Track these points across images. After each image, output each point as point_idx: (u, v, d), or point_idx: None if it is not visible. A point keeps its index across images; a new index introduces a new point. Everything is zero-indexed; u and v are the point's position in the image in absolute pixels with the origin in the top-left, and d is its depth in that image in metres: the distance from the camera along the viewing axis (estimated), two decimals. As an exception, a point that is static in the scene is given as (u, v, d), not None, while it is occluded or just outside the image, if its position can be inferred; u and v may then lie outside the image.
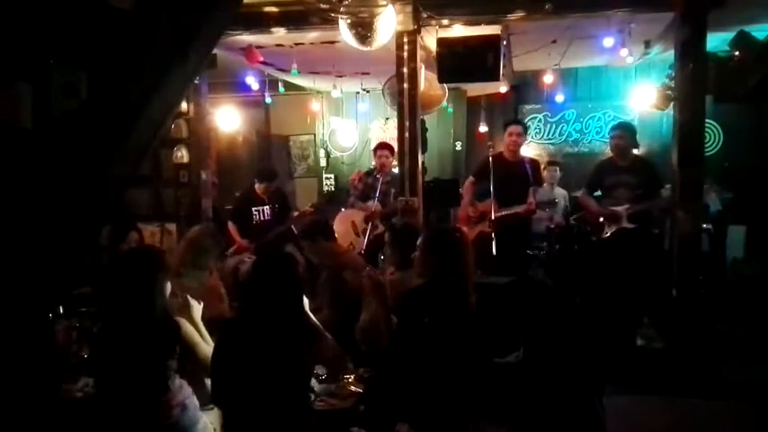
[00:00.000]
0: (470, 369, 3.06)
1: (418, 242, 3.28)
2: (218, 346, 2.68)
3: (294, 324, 2.64)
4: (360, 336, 3.46)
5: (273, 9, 5.03)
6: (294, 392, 2.61)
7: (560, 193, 7.08)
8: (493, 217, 5.30)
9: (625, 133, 5.45)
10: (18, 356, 2.19)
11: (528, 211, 5.46)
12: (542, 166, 7.41)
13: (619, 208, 5.33)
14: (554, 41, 5.71)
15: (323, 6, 4.78)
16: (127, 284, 2.72)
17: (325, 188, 9.05)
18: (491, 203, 5.46)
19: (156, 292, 2.73)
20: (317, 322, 2.99)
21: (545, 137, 8.37)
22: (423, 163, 5.53)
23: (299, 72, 6.36)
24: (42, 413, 2.48)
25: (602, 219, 5.46)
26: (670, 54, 5.16)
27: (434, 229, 3.64)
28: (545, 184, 7.17)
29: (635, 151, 5.83)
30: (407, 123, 5.03)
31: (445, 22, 4.96)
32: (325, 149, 9.10)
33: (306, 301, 2.96)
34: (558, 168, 7.19)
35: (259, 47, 5.64)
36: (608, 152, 6.54)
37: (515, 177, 5.44)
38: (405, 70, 4.97)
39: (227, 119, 8.02)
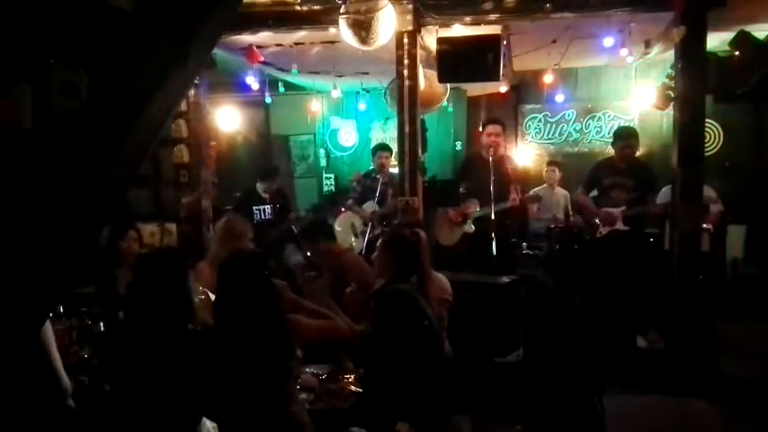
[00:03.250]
0: (446, 363, 3.07)
1: (377, 243, 3.34)
2: (196, 355, 2.60)
3: (267, 323, 2.58)
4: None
5: (273, 9, 5.03)
6: (275, 389, 2.59)
7: (561, 193, 7.08)
8: (492, 216, 5.32)
9: (632, 141, 5.49)
10: (18, 356, 2.19)
11: (514, 207, 5.47)
12: (543, 167, 7.48)
13: (614, 210, 5.35)
14: (554, 41, 5.70)
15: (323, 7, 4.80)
16: (163, 287, 2.63)
17: (326, 188, 9.05)
18: (473, 204, 5.49)
19: (189, 292, 2.68)
20: (307, 304, 2.97)
21: (545, 137, 8.36)
22: (423, 163, 5.53)
23: (299, 72, 6.36)
24: (42, 412, 2.49)
25: (597, 219, 5.49)
26: (670, 54, 5.16)
27: (393, 230, 3.68)
28: (544, 185, 7.19)
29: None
30: (407, 123, 5.03)
31: (445, 21, 4.96)
32: (326, 149, 9.10)
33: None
34: (557, 168, 7.19)
35: (259, 47, 5.64)
36: (608, 152, 6.56)
37: (496, 176, 5.45)
38: (405, 70, 4.97)
39: (227, 119, 8.01)
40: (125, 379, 2.60)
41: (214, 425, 2.80)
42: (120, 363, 2.65)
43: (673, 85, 4.94)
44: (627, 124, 7.53)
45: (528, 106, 8.41)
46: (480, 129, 6.08)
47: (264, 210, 6.10)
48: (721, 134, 7.42)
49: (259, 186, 6.13)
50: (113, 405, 2.63)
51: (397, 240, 3.33)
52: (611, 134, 6.10)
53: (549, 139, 8.35)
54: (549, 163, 7.39)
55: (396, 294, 3.04)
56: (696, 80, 4.46)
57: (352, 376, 3.30)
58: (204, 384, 2.59)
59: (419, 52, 5.05)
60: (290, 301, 2.91)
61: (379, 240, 3.37)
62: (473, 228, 5.52)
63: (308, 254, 4.62)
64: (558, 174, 7.15)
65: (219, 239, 4.00)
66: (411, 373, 2.88)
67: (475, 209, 5.58)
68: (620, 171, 5.46)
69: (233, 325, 2.59)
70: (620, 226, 5.33)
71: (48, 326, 2.86)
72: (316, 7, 4.92)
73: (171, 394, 2.55)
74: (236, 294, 2.61)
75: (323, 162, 9.12)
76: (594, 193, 5.66)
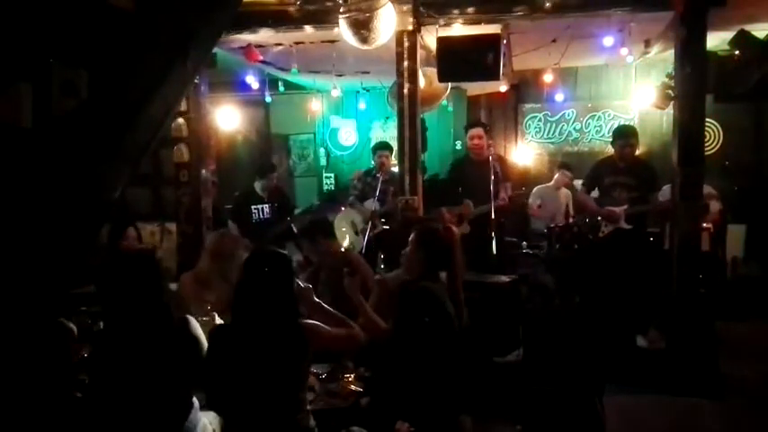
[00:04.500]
0: (461, 365, 3.07)
1: (409, 239, 3.30)
2: (211, 351, 2.63)
3: (286, 327, 2.58)
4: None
5: (273, 8, 5.03)
6: (288, 395, 2.60)
7: (564, 193, 7.07)
8: (493, 215, 5.34)
9: (632, 140, 5.46)
10: (20, 356, 2.19)
11: (504, 207, 5.53)
12: (554, 169, 7.45)
13: (617, 209, 5.34)
14: (554, 41, 5.70)
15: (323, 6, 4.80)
16: (130, 289, 2.64)
17: (326, 187, 9.05)
18: (466, 205, 5.55)
19: (161, 292, 2.69)
20: (328, 309, 2.94)
21: (545, 136, 8.36)
22: (423, 162, 5.54)
23: (298, 71, 6.35)
24: (48, 411, 2.48)
25: (599, 218, 5.48)
26: (670, 53, 5.16)
27: (425, 226, 3.65)
28: (551, 183, 7.17)
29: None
30: (407, 122, 5.02)
31: (445, 21, 4.95)
32: (325, 148, 9.10)
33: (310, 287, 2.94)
34: (569, 172, 7.11)
35: (259, 46, 5.64)
36: (608, 151, 6.54)
37: (484, 177, 5.47)
38: (405, 69, 4.96)
39: (227, 118, 8.01)
40: (107, 377, 2.61)
41: (212, 421, 2.81)
42: (102, 362, 2.66)
43: (673, 84, 4.94)
44: (626, 123, 7.51)
45: (528, 105, 8.41)
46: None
47: (263, 209, 6.10)
48: (721, 134, 7.42)
49: (257, 185, 6.13)
50: (98, 402, 2.64)
51: (430, 237, 3.28)
52: (611, 133, 6.09)
53: (549, 138, 8.35)
54: (562, 165, 7.32)
55: (421, 292, 3.02)
56: (696, 80, 4.45)
57: (352, 376, 3.30)
58: (215, 379, 2.59)
59: (419, 51, 5.05)
60: (312, 305, 2.89)
61: (411, 235, 3.33)
62: (468, 228, 5.54)
63: (307, 253, 4.62)
64: (569, 177, 7.10)
65: (209, 254, 3.90)
66: (424, 371, 2.88)
67: (469, 210, 5.61)
68: (620, 170, 5.45)
69: (251, 321, 2.57)
70: (623, 225, 5.32)
71: None
72: (315, 7, 4.92)
73: (151, 391, 2.56)
74: (258, 290, 2.59)
75: (323, 161, 9.12)
76: (595, 192, 5.66)
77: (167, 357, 2.59)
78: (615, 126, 7.24)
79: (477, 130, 5.91)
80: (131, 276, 2.66)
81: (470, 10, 4.85)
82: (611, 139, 5.84)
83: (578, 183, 6.16)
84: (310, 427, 2.65)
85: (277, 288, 2.59)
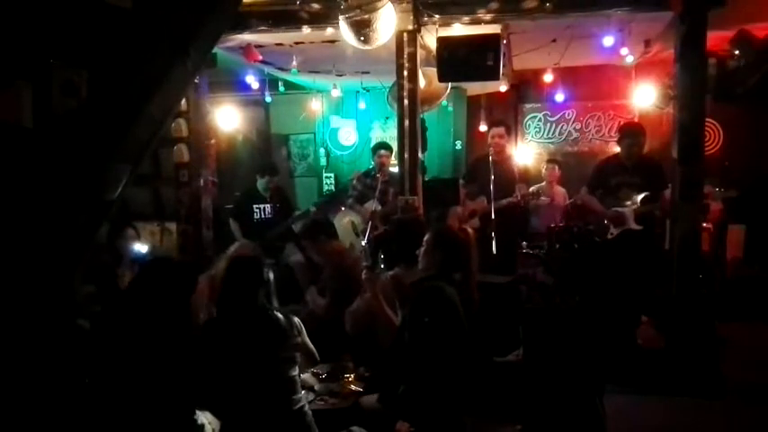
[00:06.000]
0: (471, 365, 3.08)
1: (425, 238, 3.31)
2: (202, 343, 2.75)
3: (265, 322, 2.78)
4: (349, 319, 3.53)
5: (273, 8, 5.03)
6: (275, 385, 2.71)
7: (561, 192, 7.07)
8: (493, 215, 5.36)
9: (640, 139, 5.36)
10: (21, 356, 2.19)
11: (512, 203, 5.63)
12: (542, 165, 7.49)
13: (625, 209, 5.28)
14: (554, 40, 5.71)
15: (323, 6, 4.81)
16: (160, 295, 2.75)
17: (325, 187, 9.04)
18: (481, 202, 5.65)
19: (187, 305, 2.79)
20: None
21: (545, 136, 8.36)
22: (422, 162, 5.54)
23: (298, 71, 6.36)
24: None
25: (606, 220, 5.42)
26: (670, 53, 5.16)
27: (441, 226, 3.67)
28: (543, 183, 7.18)
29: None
30: (407, 122, 5.03)
31: (445, 21, 4.96)
32: (325, 148, 9.09)
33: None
34: (556, 166, 7.16)
35: (258, 46, 5.64)
36: (608, 150, 6.54)
37: (503, 177, 5.56)
38: (405, 69, 4.97)
39: (227, 118, 8.00)
40: (113, 375, 2.64)
41: (212, 421, 2.82)
42: (109, 359, 2.68)
43: (673, 84, 4.94)
44: (632, 121, 7.47)
45: (528, 105, 8.40)
46: (481, 129, 6.14)
47: (264, 209, 6.10)
48: (721, 134, 7.42)
49: (259, 183, 6.12)
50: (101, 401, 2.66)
51: (446, 237, 3.30)
52: (618, 131, 6.00)
53: (549, 138, 8.34)
54: (549, 161, 7.36)
55: (432, 290, 3.03)
56: (696, 80, 4.45)
57: (352, 376, 3.31)
58: (207, 377, 2.69)
59: (419, 51, 5.05)
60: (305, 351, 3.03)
61: (427, 235, 3.35)
62: (478, 223, 5.59)
63: (309, 253, 4.62)
64: (557, 171, 7.12)
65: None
66: (427, 371, 2.88)
67: (483, 206, 5.66)
68: (627, 170, 5.33)
69: (232, 312, 2.78)
70: (632, 225, 5.25)
71: None
72: (315, 7, 4.92)
73: (159, 391, 2.60)
74: (236, 287, 2.83)
75: (323, 161, 9.10)
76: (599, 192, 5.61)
77: (178, 359, 2.64)
78: (615, 126, 7.23)
79: (500, 130, 6.02)
80: (166, 282, 2.79)
81: (470, 10, 4.85)
82: (617, 138, 5.74)
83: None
84: (306, 410, 2.78)
85: (250, 284, 2.84)
